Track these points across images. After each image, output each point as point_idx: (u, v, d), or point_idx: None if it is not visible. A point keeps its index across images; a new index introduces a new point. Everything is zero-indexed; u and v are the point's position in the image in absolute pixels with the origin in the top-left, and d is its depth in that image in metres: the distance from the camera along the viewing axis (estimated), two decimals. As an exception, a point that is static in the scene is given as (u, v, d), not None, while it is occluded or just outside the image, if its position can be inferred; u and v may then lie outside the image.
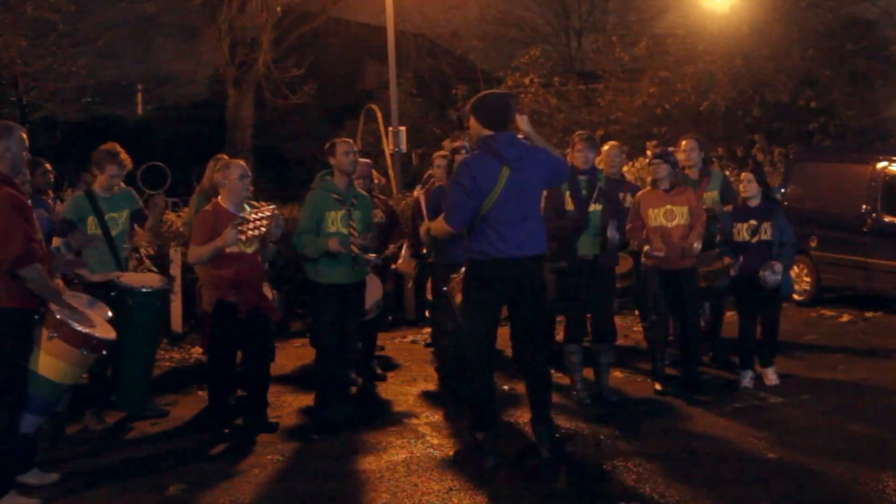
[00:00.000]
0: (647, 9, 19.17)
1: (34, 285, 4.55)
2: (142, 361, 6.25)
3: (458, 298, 5.46)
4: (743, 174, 6.88)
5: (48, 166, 6.72)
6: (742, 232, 6.69)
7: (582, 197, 6.30)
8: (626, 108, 15.75)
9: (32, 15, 14.96)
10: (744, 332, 6.76)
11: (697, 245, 6.49)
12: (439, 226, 5.20)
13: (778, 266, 6.52)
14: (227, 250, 5.69)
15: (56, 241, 5.96)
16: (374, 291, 6.88)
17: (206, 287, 5.97)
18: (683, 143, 7.58)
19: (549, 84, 16.72)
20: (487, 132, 5.08)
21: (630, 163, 11.19)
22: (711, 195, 7.40)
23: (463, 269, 5.43)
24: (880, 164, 9.76)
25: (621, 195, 7.20)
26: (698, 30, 15.23)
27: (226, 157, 7.49)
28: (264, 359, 6.12)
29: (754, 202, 6.71)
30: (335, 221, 6.14)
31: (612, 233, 6.24)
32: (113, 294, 5.98)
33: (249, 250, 5.85)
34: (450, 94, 17.77)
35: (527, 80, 15.95)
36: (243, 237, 5.63)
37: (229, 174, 5.88)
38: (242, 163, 6.07)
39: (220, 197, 5.93)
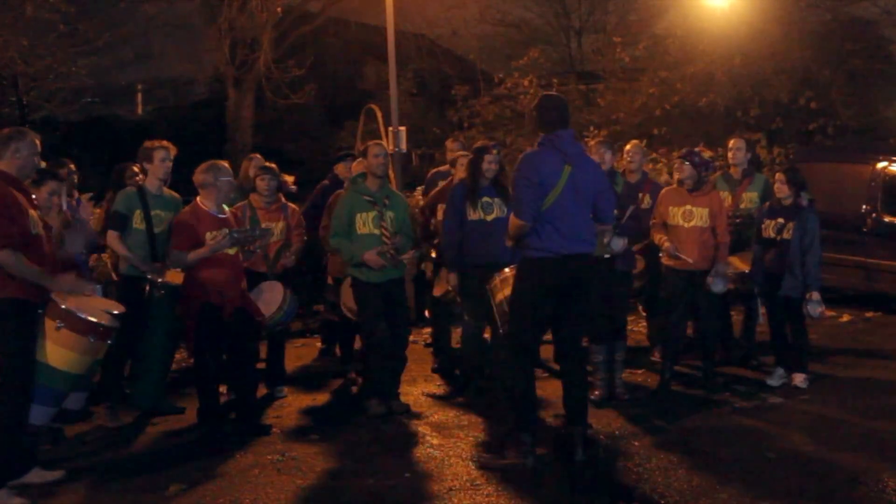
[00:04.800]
0: (647, 9, 19.13)
1: (11, 270, 4.58)
2: (160, 357, 6.37)
3: (500, 297, 5.45)
4: (777, 174, 6.92)
5: (72, 167, 6.79)
6: (769, 229, 6.72)
7: None
8: (626, 109, 15.73)
9: (32, 15, 14.94)
10: (773, 330, 6.82)
11: (722, 268, 6.57)
12: (513, 223, 5.17)
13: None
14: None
15: (112, 236, 6.21)
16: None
17: (189, 289, 5.91)
18: (731, 142, 7.68)
19: (548, 85, 16.70)
20: (544, 132, 5.18)
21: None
22: (750, 195, 7.46)
23: (506, 269, 5.47)
24: (880, 164, 9.77)
25: (640, 195, 7.27)
26: (698, 30, 15.21)
27: (259, 155, 7.58)
28: (250, 360, 6.12)
29: (787, 201, 6.73)
30: (367, 223, 6.20)
31: (607, 240, 6.30)
32: (146, 286, 6.13)
33: (232, 251, 5.87)
34: (450, 94, 17.75)
35: (526, 82, 15.93)
36: (229, 243, 5.69)
37: (220, 175, 5.87)
38: (227, 164, 6.09)
39: (199, 198, 5.92)
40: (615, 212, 6.43)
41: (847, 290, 10.04)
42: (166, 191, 6.46)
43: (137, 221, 6.25)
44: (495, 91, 16.74)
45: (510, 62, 17.60)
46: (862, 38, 15.35)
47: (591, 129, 14.40)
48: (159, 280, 6.19)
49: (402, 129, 12.56)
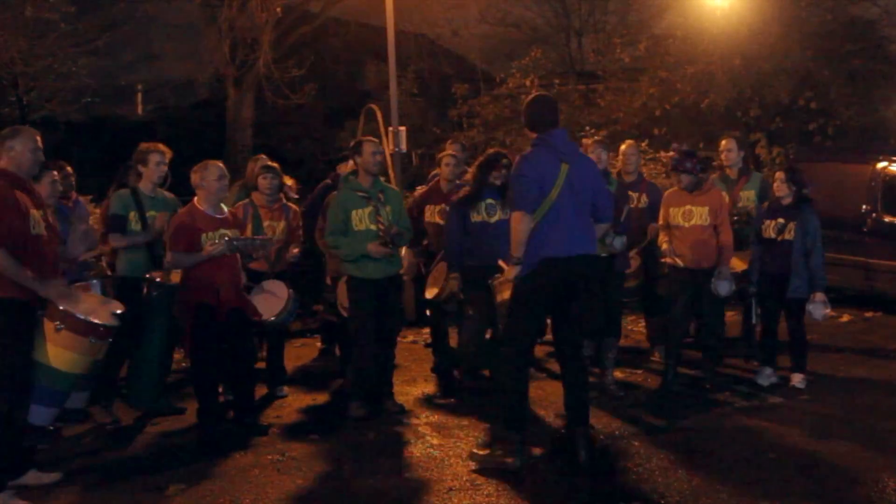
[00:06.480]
0: (647, 9, 19.12)
1: (3, 271, 4.54)
2: (158, 358, 6.36)
3: (503, 297, 5.43)
4: (777, 174, 6.90)
5: (69, 169, 6.80)
6: (769, 229, 6.71)
7: None
8: (626, 109, 15.74)
9: (32, 15, 14.94)
10: (766, 330, 6.80)
11: (725, 270, 6.56)
12: (514, 218, 5.09)
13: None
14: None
15: (114, 238, 6.24)
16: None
17: (186, 290, 5.90)
18: (723, 142, 7.70)
19: (549, 85, 16.70)
20: (537, 132, 5.21)
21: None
22: (748, 194, 7.48)
23: (507, 269, 5.35)
24: (880, 164, 9.77)
25: (636, 195, 7.27)
26: (698, 30, 15.21)
27: (264, 156, 7.58)
28: (248, 360, 6.12)
29: (787, 201, 6.72)
30: (363, 219, 6.23)
31: (609, 240, 6.31)
32: (144, 286, 6.14)
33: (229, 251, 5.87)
34: (450, 94, 17.75)
35: (527, 81, 15.94)
36: (227, 250, 5.70)
37: (207, 175, 5.87)
38: (221, 164, 6.06)
39: (196, 199, 5.92)
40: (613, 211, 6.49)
41: (847, 290, 10.04)
42: (161, 191, 6.46)
43: (134, 223, 6.27)
44: (497, 91, 16.74)
45: (511, 62, 17.62)
46: (862, 38, 15.34)
47: (591, 129, 14.40)
48: (157, 280, 6.19)
49: (402, 129, 12.56)
